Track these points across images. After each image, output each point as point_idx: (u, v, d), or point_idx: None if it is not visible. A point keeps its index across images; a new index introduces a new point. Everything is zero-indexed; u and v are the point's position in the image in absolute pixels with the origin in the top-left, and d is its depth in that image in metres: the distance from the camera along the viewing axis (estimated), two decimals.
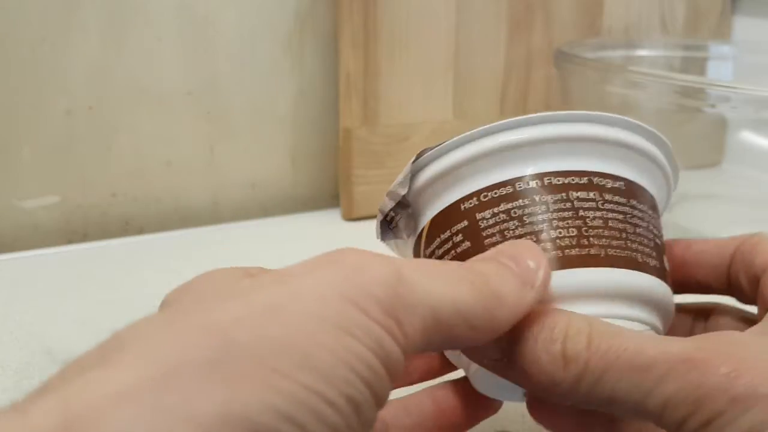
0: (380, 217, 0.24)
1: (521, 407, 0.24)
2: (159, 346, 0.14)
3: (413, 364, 0.26)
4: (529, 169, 0.22)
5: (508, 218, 0.22)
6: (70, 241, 0.51)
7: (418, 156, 0.23)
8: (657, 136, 0.23)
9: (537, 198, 0.22)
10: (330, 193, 0.58)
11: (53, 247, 0.49)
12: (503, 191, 0.22)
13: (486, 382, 0.23)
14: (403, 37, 0.53)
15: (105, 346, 0.15)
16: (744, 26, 0.69)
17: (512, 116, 0.22)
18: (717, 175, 0.66)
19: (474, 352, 0.21)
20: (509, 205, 0.22)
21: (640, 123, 0.23)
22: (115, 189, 0.52)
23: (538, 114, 0.22)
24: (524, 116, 0.22)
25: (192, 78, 0.52)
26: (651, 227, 0.23)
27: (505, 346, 0.20)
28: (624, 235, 0.22)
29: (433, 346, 0.18)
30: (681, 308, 0.25)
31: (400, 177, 0.23)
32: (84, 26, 0.48)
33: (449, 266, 0.19)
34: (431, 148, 0.23)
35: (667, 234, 0.24)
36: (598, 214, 0.22)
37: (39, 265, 0.46)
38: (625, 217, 0.22)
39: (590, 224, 0.21)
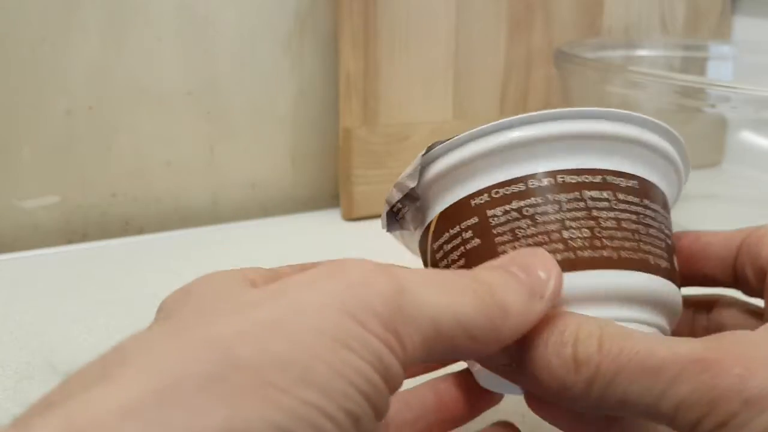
0: (387, 208, 0.24)
1: (523, 406, 0.24)
2: (161, 360, 0.14)
3: None
4: (543, 167, 0.22)
5: (519, 216, 0.21)
6: (70, 241, 0.51)
7: (429, 149, 0.22)
8: (671, 133, 0.23)
9: (550, 197, 0.21)
10: (330, 193, 0.58)
11: (53, 247, 0.49)
12: (515, 188, 0.21)
13: (490, 378, 0.23)
14: (403, 37, 0.53)
15: (107, 359, 0.15)
16: (744, 26, 0.69)
17: (512, 116, 0.22)
18: (717, 175, 0.66)
19: (483, 358, 0.21)
20: (521, 203, 0.21)
21: (655, 120, 0.22)
22: (115, 189, 0.52)
23: (552, 110, 0.22)
24: (538, 112, 0.22)
25: (192, 78, 0.52)
26: (663, 227, 0.22)
27: (514, 351, 0.19)
28: (637, 236, 0.21)
29: (433, 357, 0.18)
30: (683, 300, 0.25)
31: (409, 169, 0.23)
32: (84, 26, 0.48)
33: (453, 276, 0.18)
34: (442, 141, 0.22)
35: None
36: (612, 214, 0.21)
37: (39, 265, 0.46)
38: (638, 218, 0.21)
39: (603, 225, 0.21)
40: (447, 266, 0.23)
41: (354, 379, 0.15)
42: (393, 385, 0.16)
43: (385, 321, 0.16)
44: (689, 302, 0.25)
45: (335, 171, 0.57)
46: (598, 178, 0.21)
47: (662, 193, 0.23)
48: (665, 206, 0.23)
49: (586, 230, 0.21)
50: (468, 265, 0.22)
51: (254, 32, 0.53)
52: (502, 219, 0.21)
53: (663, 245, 0.22)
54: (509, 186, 0.22)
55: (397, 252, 0.28)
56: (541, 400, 0.22)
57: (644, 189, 0.22)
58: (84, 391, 0.14)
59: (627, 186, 0.22)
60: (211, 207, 0.56)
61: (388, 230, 0.24)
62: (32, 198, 0.50)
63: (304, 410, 0.14)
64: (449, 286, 0.18)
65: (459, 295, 0.18)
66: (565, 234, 0.21)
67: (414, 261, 0.25)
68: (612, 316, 0.20)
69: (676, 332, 0.24)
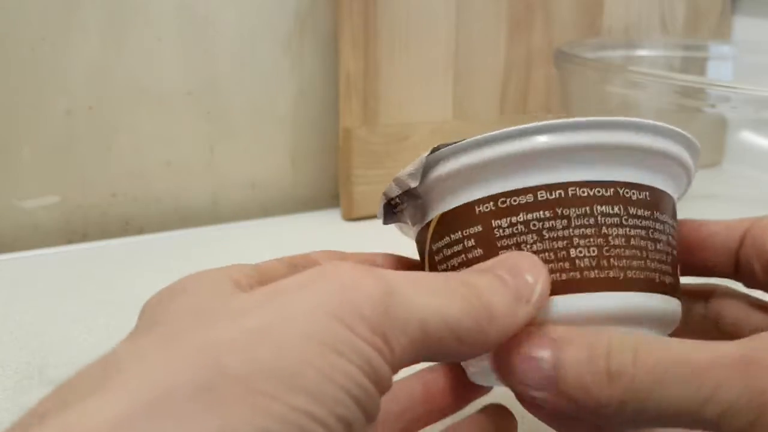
0: (384, 200, 0.23)
1: (521, 411, 0.24)
2: (153, 371, 0.14)
3: None
4: (553, 178, 0.21)
5: (526, 230, 0.21)
6: (70, 241, 0.51)
7: (434, 150, 0.22)
8: (687, 138, 0.22)
9: (559, 211, 0.20)
10: (330, 193, 0.58)
11: (53, 247, 0.49)
12: (523, 199, 0.21)
13: (488, 379, 0.23)
14: (403, 37, 0.53)
15: (100, 368, 0.15)
16: (744, 26, 0.69)
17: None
18: (717, 175, 0.66)
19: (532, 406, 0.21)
20: (529, 216, 0.21)
21: (670, 126, 0.22)
22: (115, 189, 0.52)
23: (565, 120, 0.21)
24: (550, 121, 0.21)
25: (192, 78, 0.52)
26: (670, 238, 0.22)
27: (545, 372, 0.19)
28: (644, 254, 0.21)
29: (421, 359, 0.18)
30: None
31: (410, 168, 0.22)
32: (84, 26, 0.48)
33: (441, 278, 0.18)
34: (448, 144, 0.22)
35: None
36: (621, 231, 0.21)
37: (39, 265, 0.46)
38: (647, 233, 0.21)
39: (612, 243, 0.20)
40: (446, 271, 0.22)
41: (344, 384, 0.15)
42: (382, 388, 0.16)
43: (373, 324, 0.16)
44: (685, 292, 0.25)
45: (335, 171, 0.57)
46: (610, 192, 0.21)
47: (673, 201, 0.23)
48: (674, 214, 0.23)
49: (594, 249, 0.20)
50: None
51: (254, 32, 0.53)
52: (507, 231, 0.21)
53: (669, 259, 0.22)
54: (517, 196, 0.21)
55: (397, 252, 0.28)
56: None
57: (656, 200, 0.22)
58: (78, 401, 0.14)
59: (639, 198, 0.21)
60: (211, 207, 0.56)
61: (385, 222, 0.24)
62: (32, 198, 0.50)
63: (295, 416, 0.14)
64: (437, 289, 0.18)
65: (446, 298, 0.18)
66: (573, 252, 0.20)
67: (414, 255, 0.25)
68: None
69: None
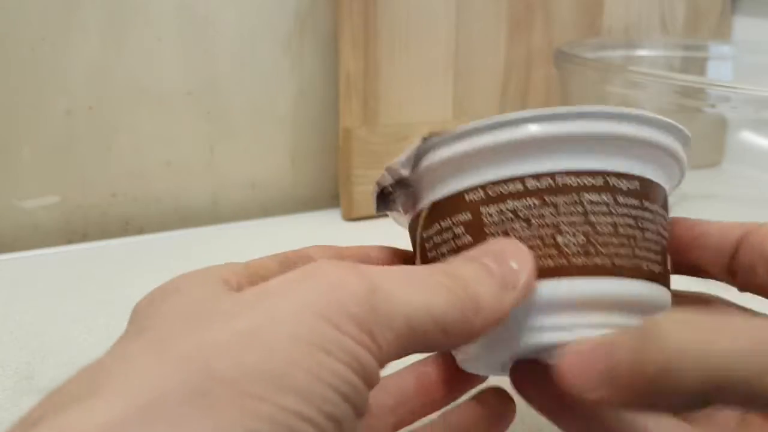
0: (377, 189, 0.24)
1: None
2: (143, 376, 0.14)
3: None
4: (542, 167, 0.21)
5: (514, 218, 0.21)
6: (70, 241, 0.51)
7: (426, 138, 0.22)
8: (678, 129, 0.22)
9: (547, 199, 0.21)
10: (330, 193, 0.58)
11: (53, 247, 0.49)
12: (512, 188, 0.21)
13: (476, 365, 0.23)
14: (403, 37, 0.53)
15: (92, 373, 0.15)
16: (744, 26, 0.69)
17: (511, 113, 0.21)
18: (717, 175, 0.66)
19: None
20: (516, 204, 0.21)
21: (662, 117, 0.22)
22: (115, 189, 0.52)
23: (555, 109, 0.21)
24: (537, 110, 0.21)
25: (192, 78, 0.52)
26: (660, 228, 0.22)
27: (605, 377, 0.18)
28: (632, 242, 0.21)
29: (409, 351, 0.18)
30: (676, 296, 0.24)
31: (402, 156, 0.22)
32: (84, 26, 0.48)
33: (426, 272, 0.19)
34: (440, 132, 0.22)
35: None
36: (609, 219, 0.21)
37: (39, 265, 0.46)
38: (636, 222, 0.21)
39: (599, 230, 0.21)
40: (435, 258, 0.22)
41: (332, 382, 0.15)
42: (371, 383, 0.17)
43: (360, 322, 0.16)
44: (683, 298, 0.25)
45: (335, 171, 0.57)
46: (599, 180, 0.21)
47: (664, 192, 0.23)
48: (665, 204, 0.23)
49: (581, 236, 0.20)
50: None
51: (254, 32, 0.53)
52: (496, 219, 0.21)
53: (658, 248, 0.22)
54: (506, 184, 0.21)
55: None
56: (527, 382, 0.22)
57: (645, 190, 0.22)
58: (70, 407, 0.14)
59: (628, 188, 0.21)
60: (211, 207, 0.56)
61: (377, 211, 0.24)
62: (32, 198, 0.50)
63: (284, 416, 0.14)
64: (422, 283, 0.18)
65: (432, 292, 0.18)
66: (560, 239, 0.20)
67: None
68: (600, 322, 0.20)
69: None
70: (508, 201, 0.21)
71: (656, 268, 0.21)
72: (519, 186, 0.21)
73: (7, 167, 0.49)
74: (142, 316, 0.18)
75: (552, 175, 0.21)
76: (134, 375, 0.14)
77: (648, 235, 0.21)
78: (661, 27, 0.66)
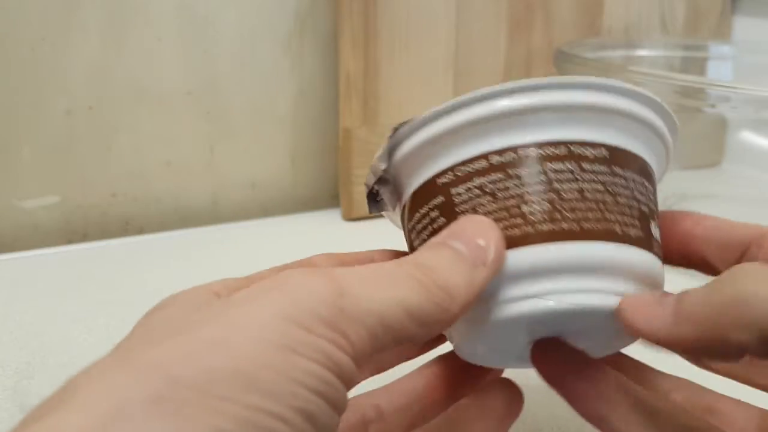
0: (366, 190, 0.24)
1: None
2: (108, 388, 0.15)
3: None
4: (503, 142, 0.21)
5: (481, 193, 0.21)
6: (70, 241, 0.51)
7: (395, 129, 0.22)
8: (644, 96, 0.22)
9: (511, 172, 0.21)
10: (330, 193, 0.58)
11: (53, 247, 0.49)
12: (478, 165, 0.21)
13: (472, 348, 0.23)
14: (403, 37, 0.53)
15: (61, 392, 0.15)
16: (744, 26, 0.69)
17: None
18: (717, 175, 0.66)
19: None
20: (482, 180, 0.21)
21: (623, 84, 0.22)
22: (115, 189, 0.52)
23: (511, 83, 0.21)
24: (495, 86, 0.21)
25: (192, 78, 0.52)
26: (636, 194, 0.22)
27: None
28: (602, 206, 0.21)
29: (386, 347, 0.18)
30: None
31: (379, 152, 0.23)
32: (84, 26, 0.48)
33: (395, 267, 0.19)
34: (407, 122, 0.22)
35: None
36: (574, 186, 0.21)
37: (39, 265, 0.46)
38: (604, 187, 0.21)
39: (564, 197, 0.21)
40: (420, 245, 0.23)
41: (303, 379, 0.16)
42: (347, 379, 0.17)
43: (330, 322, 0.16)
44: None
45: (335, 171, 0.57)
46: (561, 150, 0.21)
47: (639, 159, 0.22)
48: (643, 171, 0.23)
49: (546, 203, 0.21)
50: None
51: (254, 32, 0.53)
52: (465, 197, 0.21)
53: (635, 213, 0.22)
54: (472, 163, 0.21)
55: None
56: (547, 360, 0.22)
57: (614, 157, 0.22)
58: (35, 422, 0.14)
59: (594, 155, 0.21)
60: (211, 207, 0.56)
61: (370, 211, 0.25)
62: (32, 198, 0.50)
63: (249, 414, 0.15)
64: (391, 280, 0.18)
65: (402, 287, 0.18)
66: (525, 208, 0.21)
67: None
68: (573, 287, 0.20)
69: None
70: (475, 179, 0.21)
71: (633, 232, 0.21)
72: (484, 163, 0.21)
73: (7, 167, 0.49)
74: (132, 332, 0.18)
75: (514, 148, 0.21)
76: (99, 387, 0.15)
77: (621, 200, 0.21)
78: (661, 27, 0.66)
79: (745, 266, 0.18)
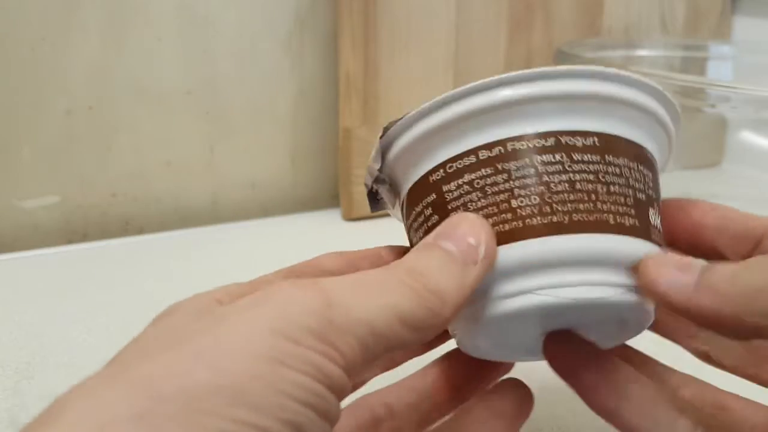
0: (366, 190, 0.24)
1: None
2: (95, 406, 0.15)
3: None
4: (492, 136, 0.21)
5: (471, 189, 0.21)
6: (70, 241, 0.51)
7: (385, 130, 0.22)
8: (638, 81, 0.22)
9: (499, 166, 0.21)
10: (330, 193, 0.58)
11: (53, 247, 0.49)
12: (467, 161, 0.21)
13: (474, 344, 0.23)
14: (403, 37, 0.53)
15: (50, 409, 0.15)
16: (744, 26, 0.69)
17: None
18: (717, 175, 0.66)
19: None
20: (472, 176, 0.21)
21: (608, 69, 0.21)
22: (115, 189, 0.52)
23: (495, 77, 0.21)
24: (478, 81, 0.21)
25: (192, 78, 0.52)
26: (632, 182, 0.21)
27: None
28: (593, 197, 0.21)
29: (379, 355, 0.18)
30: None
31: (372, 152, 0.23)
32: (84, 26, 0.48)
33: (384, 274, 0.18)
34: (396, 122, 0.22)
35: None
36: (564, 177, 0.21)
37: (39, 265, 0.46)
38: (596, 177, 0.21)
39: (554, 189, 0.20)
40: (418, 242, 0.22)
41: (291, 392, 0.15)
42: (338, 390, 0.17)
43: (319, 334, 0.16)
44: None
45: (335, 171, 0.57)
46: (550, 141, 0.21)
47: (635, 145, 0.22)
48: (640, 158, 0.22)
49: (535, 197, 0.20)
50: None
51: (254, 32, 0.53)
52: (456, 193, 0.21)
53: (630, 202, 0.21)
54: (461, 159, 0.21)
55: None
56: (559, 353, 0.22)
57: (607, 145, 0.21)
58: None
59: (584, 145, 0.21)
60: (211, 207, 0.56)
61: (372, 210, 0.25)
62: (32, 198, 0.50)
63: (236, 428, 0.15)
64: (381, 287, 0.18)
65: (392, 294, 0.18)
66: (514, 203, 0.20)
67: None
68: (568, 281, 0.20)
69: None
70: (465, 174, 0.21)
71: (628, 221, 0.21)
72: (473, 158, 0.21)
73: (7, 167, 0.49)
74: (128, 344, 0.18)
75: (503, 142, 0.21)
76: (86, 404, 0.15)
77: (614, 189, 0.21)
78: (661, 27, 0.66)
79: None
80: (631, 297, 0.21)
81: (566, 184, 0.21)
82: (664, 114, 0.23)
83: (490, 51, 0.58)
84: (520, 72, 0.21)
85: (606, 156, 0.21)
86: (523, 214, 0.20)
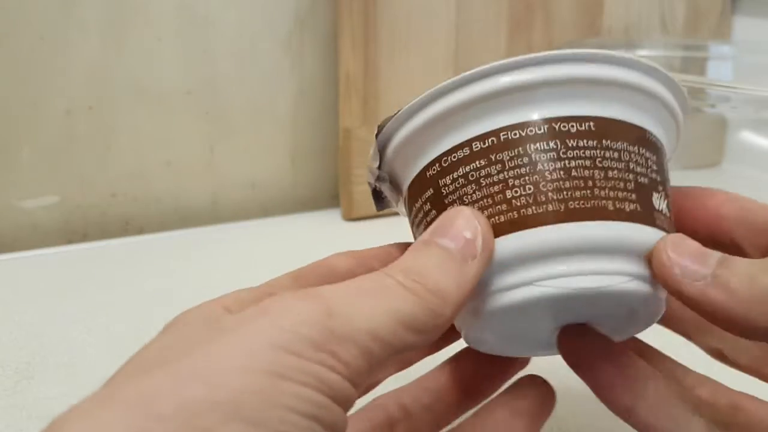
0: (370, 189, 0.24)
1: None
2: (92, 427, 0.15)
3: None
4: (485, 127, 0.21)
5: (466, 182, 0.21)
6: (70, 241, 0.51)
7: (380, 128, 0.22)
8: (632, 61, 0.21)
9: (492, 157, 0.20)
10: (330, 193, 0.58)
11: (53, 247, 0.49)
12: (460, 154, 0.21)
13: (480, 339, 0.23)
14: (403, 37, 0.53)
15: (55, 423, 0.15)
16: (744, 26, 0.69)
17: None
18: (717, 175, 0.66)
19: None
20: (466, 168, 0.21)
21: (602, 51, 0.21)
22: (115, 189, 0.52)
23: (483, 66, 0.21)
24: (467, 72, 0.21)
25: (192, 78, 0.52)
26: (633, 165, 0.21)
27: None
28: (590, 183, 0.20)
29: (384, 361, 0.18)
30: None
31: (371, 150, 0.23)
32: (84, 26, 0.48)
33: (382, 278, 0.18)
34: (390, 118, 0.22)
35: None
36: (559, 164, 0.20)
37: (39, 265, 0.46)
38: (593, 163, 0.20)
39: (549, 177, 0.20)
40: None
41: (292, 405, 0.15)
42: (343, 400, 0.16)
43: (319, 344, 0.16)
44: None
45: (335, 171, 0.57)
46: (542, 128, 0.20)
47: (637, 128, 0.21)
48: (642, 141, 0.21)
49: (530, 186, 0.20)
50: None
51: (254, 32, 0.53)
52: (452, 187, 0.21)
53: (630, 186, 0.21)
54: (455, 152, 0.21)
55: None
56: (574, 347, 0.22)
57: (604, 129, 0.21)
58: None
59: (580, 130, 0.20)
60: (211, 207, 0.56)
61: (378, 209, 0.25)
62: (32, 198, 0.50)
63: None
64: (380, 292, 0.18)
65: (392, 298, 0.17)
66: (509, 194, 0.20)
67: None
68: (567, 271, 0.20)
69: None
70: (460, 167, 0.21)
71: (628, 207, 0.20)
72: (467, 151, 0.21)
73: (7, 167, 0.49)
74: (130, 358, 0.18)
75: (496, 132, 0.21)
76: (84, 425, 0.15)
77: (613, 173, 0.20)
78: (661, 27, 0.66)
79: None
80: (634, 286, 0.20)
81: (561, 172, 0.20)
82: (667, 94, 0.22)
83: (490, 51, 0.58)
84: (509, 60, 0.21)
85: (603, 140, 0.21)
86: (518, 204, 0.20)
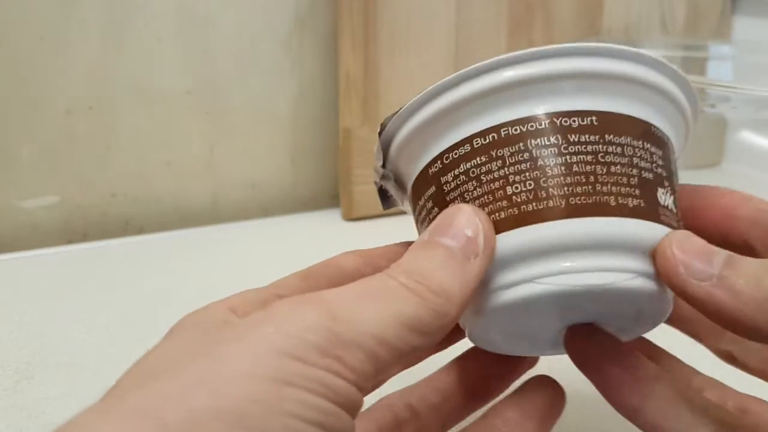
0: (376, 188, 0.24)
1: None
2: None
3: None
4: (485, 123, 0.21)
5: (467, 179, 0.20)
6: (70, 241, 0.51)
7: (382, 127, 0.22)
8: (636, 55, 0.21)
9: (493, 153, 0.20)
10: (330, 193, 0.58)
11: (53, 247, 0.49)
12: (462, 151, 0.21)
13: (485, 338, 0.23)
14: (403, 37, 0.53)
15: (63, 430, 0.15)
16: (744, 26, 0.69)
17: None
18: (717, 175, 0.66)
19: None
20: (467, 165, 0.21)
21: (610, 45, 0.21)
22: (115, 189, 0.52)
23: (484, 62, 0.20)
24: (467, 69, 0.21)
25: (191, 78, 0.52)
26: (637, 160, 0.20)
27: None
28: (592, 179, 0.20)
29: (390, 363, 0.17)
30: None
31: (375, 149, 0.23)
32: (84, 26, 0.48)
33: (386, 280, 0.18)
34: (392, 117, 0.22)
35: None
36: (560, 159, 0.20)
37: (39, 265, 0.46)
38: (595, 158, 0.20)
39: (550, 173, 0.20)
40: None
41: (297, 411, 0.15)
42: (350, 405, 0.16)
43: (323, 350, 0.16)
44: None
45: (335, 171, 0.57)
46: (544, 123, 0.20)
47: (642, 123, 0.21)
48: (647, 136, 0.21)
49: (530, 182, 0.20)
50: None
51: (254, 32, 0.53)
52: (453, 184, 0.21)
53: (634, 182, 0.20)
54: (456, 149, 0.21)
55: None
56: (580, 346, 0.22)
57: (607, 123, 0.20)
58: None
59: (581, 125, 0.20)
60: (211, 207, 0.56)
61: (384, 208, 0.25)
62: (32, 198, 0.50)
63: None
64: (384, 294, 0.17)
65: (396, 300, 0.17)
66: (509, 190, 0.20)
67: None
68: (568, 268, 0.20)
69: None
70: (461, 164, 0.21)
71: (631, 202, 0.20)
72: (467, 147, 0.21)
73: (7, 167, 0.49)
74: (134, 364, 0.18)
75: (496, 128, 0.20)
76: None
77: (615, 168, 0.20)
78: (661, 27, 0.66)
79: None
80: (639, 283, 0.20)
81: (562, 167, 0.20)
82: (674, 88, 0.22)
83: (490, 51, 0.58)
84: (508, 55, 0.20)
85: (606, 135, 0.20)
86: (519, 200, 0.20)
